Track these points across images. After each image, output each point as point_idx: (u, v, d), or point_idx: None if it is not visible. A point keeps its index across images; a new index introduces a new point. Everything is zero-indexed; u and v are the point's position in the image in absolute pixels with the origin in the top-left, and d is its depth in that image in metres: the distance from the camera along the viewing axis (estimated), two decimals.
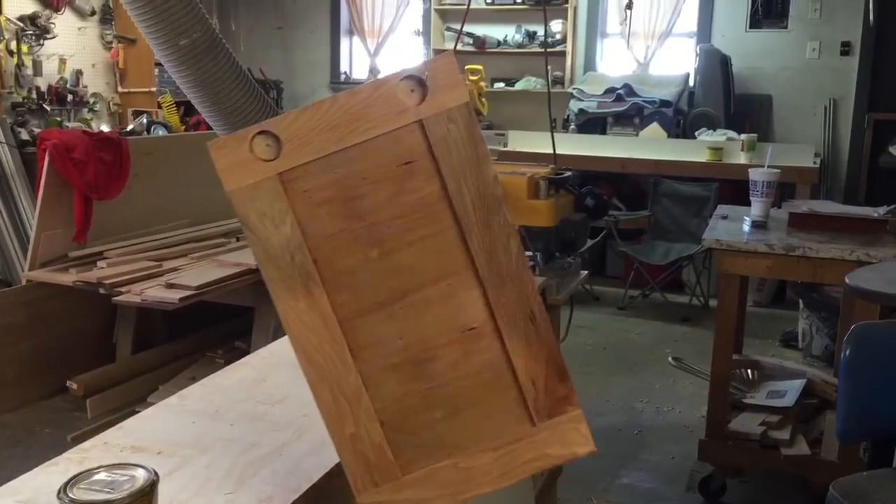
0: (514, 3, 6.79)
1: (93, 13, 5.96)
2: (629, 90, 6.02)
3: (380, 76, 7.35)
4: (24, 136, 5.05)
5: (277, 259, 1.04)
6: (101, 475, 0.95)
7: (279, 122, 1.03)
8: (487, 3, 6.84)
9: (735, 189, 4.91)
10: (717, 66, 5.96)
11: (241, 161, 1.02)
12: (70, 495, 0.91)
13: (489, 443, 1.11)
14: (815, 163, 5.34)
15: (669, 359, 4.29)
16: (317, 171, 1.04)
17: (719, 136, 5.65)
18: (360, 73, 7.76)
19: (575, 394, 1.13)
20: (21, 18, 5.37)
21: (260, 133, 1.02)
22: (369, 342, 1.07)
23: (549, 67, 4.81)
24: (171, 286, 3.26)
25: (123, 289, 3.27)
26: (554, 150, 3.24)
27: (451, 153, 1.07)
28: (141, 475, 0.95)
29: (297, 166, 1.03)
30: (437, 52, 7.06)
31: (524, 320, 1.11)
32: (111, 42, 6.09)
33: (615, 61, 6.86)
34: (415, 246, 1.08)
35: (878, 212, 2.95)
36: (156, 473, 0.96)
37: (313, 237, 1.04)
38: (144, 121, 5.54)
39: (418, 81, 1.05)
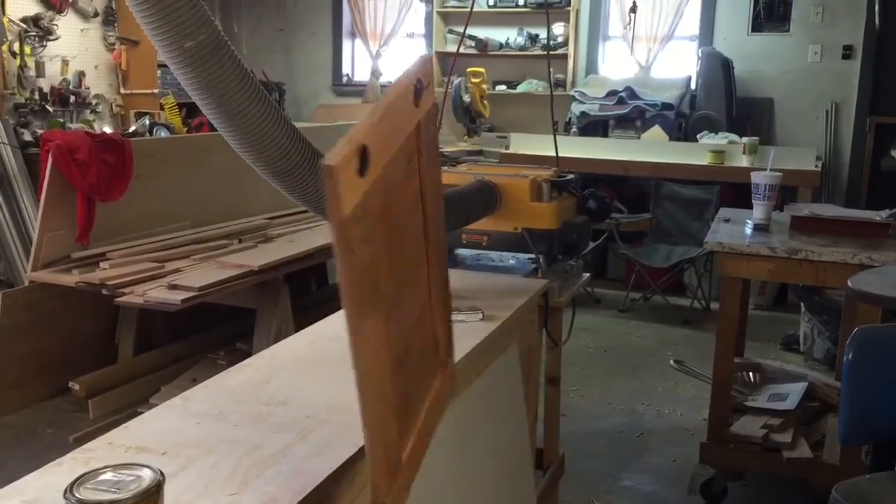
0: (517, 6, 6.81)
1: (95, 15, 5.98)
2: (631, 93, 6.02)
3: (381, 79, 7.37)
4: (27, 137, 5.06)
5: (364, 283, 0.91)
6: (107, 475, 0.95)
7: (368, 133, 0.90)
8: (490, 6, 6.85)
9: (737, 192, 4.91)
10: (718, 69, 5.97)
11: (351, 179, 0.85)
12: (76, 495, 0.91)
13: (427, 398, 1.21)
14: (816, 166, 5.34)
15: (671, 361, 4.29)
16: (377, 181, 0.94)
17: (721, 139, 5.65)
18: (362, 75, 7.77)
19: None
20: (24, 20, 5.39)
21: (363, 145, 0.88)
22: (389, 345, 1.07)
23: (551, 70, 4.81)
24: (173, 287, 3.26)
25: (126, 290, 3.28)
26: (556, 152, 3.24)
27: (427, 151, 1.10)
28: (147, 475, 0.95)
29: (374, 179, 0.91)
30: (440, 54, 7.08)
31: (445, 291, 1.26)
32: (114, 44, 6.11)
33: (617, 64, 6.87)
34: (407, 246, 1.11)
35: (881, 215, 2.95)
36: (161, 474, 0.96)
37: (376, 252, 0.95)
38: (147, 122, 5.55)
39: (419, 82, 1.06)
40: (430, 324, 1.20)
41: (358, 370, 0.90)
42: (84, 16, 5.89)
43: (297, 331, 1.87)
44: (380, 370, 0.97)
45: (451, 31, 7.15)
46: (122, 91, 6.21)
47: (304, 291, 4.64)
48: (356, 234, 0.86)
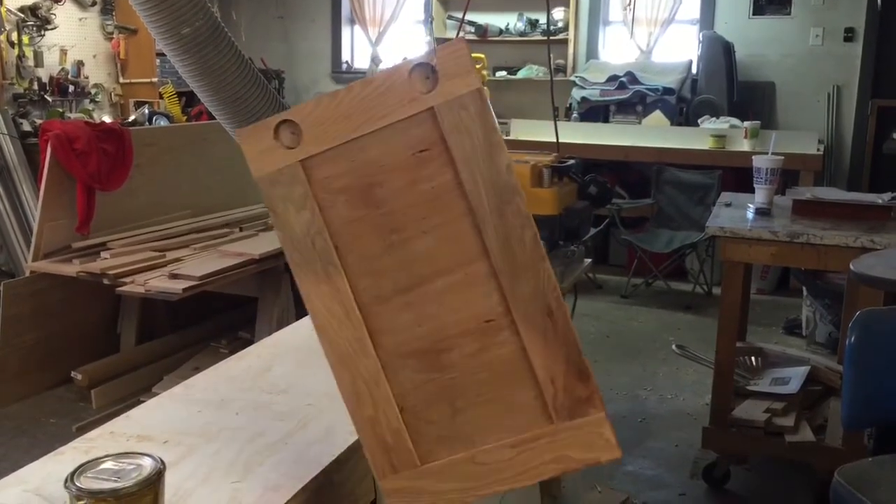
0: None
1: (93, 4, 5.95)
2: (632, 78, 6.00)
3: (381, 66, 7.35)
4: (26, 127, 5.05)
5: (299, 243, 1.07)
6: (108, 464, 0.95)
7: (300, 111, 1.07)
8: None
9: (738, 177, 4.90)
10: (720, 53, 5.94)
11: (266, 148, 1.07)
12: (77, 484, 0.91)
13: (507, 439, 1.09)
14: (818, 150, 5.32)
15: (673, 347, 4.29)
16: (335, 158, 1.07)
17: (722, 123, 5.63)
18: (361, 62, 7.74)
19: (599, 396, 1.08)
20: (22, 9, 5.36)
21: (283, 122, 1.07)
22: (388, 328, 1.08)
23: (551, 55, 4.79)
24: (174, 277, 3.26)
25: (127, 279, 3.28)
26: (557, 138, 3.23)
27: (463, 141, 1.06)
28: (148, 464, 0.95)
29: (317, 154, 1.07)
30: (440, 40, 7.04)
31: (541, 315, 1.07)
32: (112, 32, 6.09)
33: (618, 49, 6.83)
34: (430, 234, 1.08)
35: (883, 198, 2.94)
36: (162, 462, 0.96)
37: (333, 223, 1.07)
38: (146, 111, 5.54)
39: (429, 69, 1.05)
40: (512, 348, 1.09)
41: (314, 322, 1.08)
42: (82, 5, 5.86)
43: (298, 319, 1.87)
44: (344, 336, 1.07)
45: (450, 17, 7.11)
46: (121, 80, 6.19)
47: None
48: (278, 195, 1.07)
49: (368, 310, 1.08)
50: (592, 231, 4.84)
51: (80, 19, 5.87)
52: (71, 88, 5.70)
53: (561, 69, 6.66)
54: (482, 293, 1.08)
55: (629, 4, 6.47)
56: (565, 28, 6.70)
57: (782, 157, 2.98)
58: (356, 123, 1.06)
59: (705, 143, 5.44)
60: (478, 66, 6.30)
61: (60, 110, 5.50)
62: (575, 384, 1.08)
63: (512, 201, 1.07)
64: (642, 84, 5.96)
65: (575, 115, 6.17)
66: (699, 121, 5.80)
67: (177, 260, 3.50)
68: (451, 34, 7.03)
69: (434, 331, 1.08)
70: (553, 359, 1.07)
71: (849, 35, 5.99)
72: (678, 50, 6.58)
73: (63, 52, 5.70)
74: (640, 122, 5.92)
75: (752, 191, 3.01)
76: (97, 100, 5.93)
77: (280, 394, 1.41)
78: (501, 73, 6.91)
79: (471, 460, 1.09)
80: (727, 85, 5.93)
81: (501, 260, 1.07)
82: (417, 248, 1.08)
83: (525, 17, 6.83)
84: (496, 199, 1.07)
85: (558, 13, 6.70)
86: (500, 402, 1.09)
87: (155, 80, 6.32)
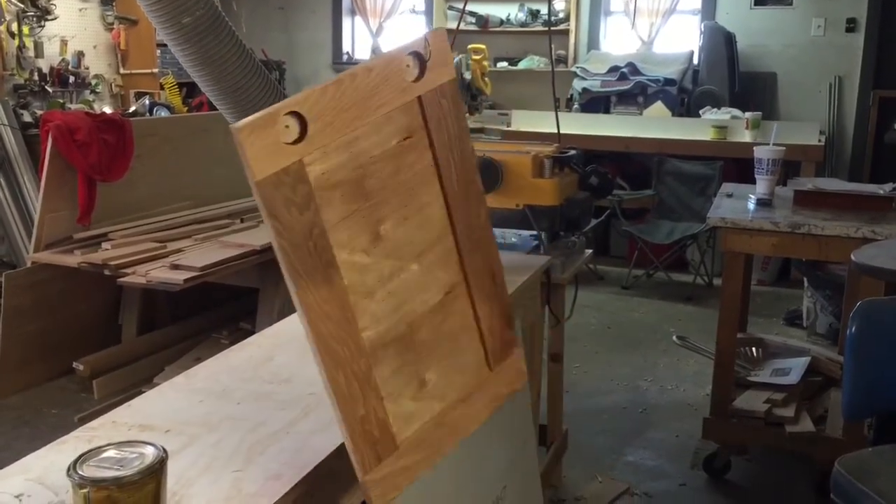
0: None
1: None
2: (633, 69, 5.99)
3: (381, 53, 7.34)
4: (27, 118, 5.03)
5: (300, 248, 0.95)
6: (111, 453, 0.95)
7: (304, 102, 0.95)
8: None
9: (739, 168, 4.89)
10: (721, 43, 5.92)
11: (270, 146, 0.91)
12: (80, 472, 0.91)
13: (460, 394, 1.17)
14: (820, 140, 5.31)
15: (674, 338, 4.30)
16: (335, 151, 0.99)
17: (724, 114, 5.62)
18: (362, 53, 7.72)
19: (517, 337, 1.26)
20: (22, 0, 5.34)
21: (287, 114, 0.93)
22: (371, 322, 1.07)
23: (552, 46, 4.78)
24: (175, 267, 3.26)
25: (128, 270, 3.28)
26: (558, 128, 3.22)
27: (441, 127, 1.08)
28: (150, 452, 0.96)
29: (319, 148, 0.96)
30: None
31: (489, 279, 1.19)
32: (112, 23, 6.07)
33: (619, 40, 6.82)
34: (410, 220, 1.09)
35: (884, 189, 2.93)
36: (164, 451, 0.96)
37: (329, 221, 0.99)
38: (147, 102, 5.52)
39: (419, 57, 1.05)
40: (465, 313, 1.15)
41: (310, 330, 0.98)
42: None
43: None
44: (339, 338, 1.00)
45: (451, 8, 7.09)
46: (122, 71, 6.17)
47: None
48: (281, 198, 0.91)
49: (357, 307, 1.03)
50: (593, 222, 4.81)
51: (81, 10, 5.85)
52: (71, 79, 5.69)
53: (562, 60, 6.65)
54: (445, 267, 1.14)
55: None
56: (566, 18, 6.68)
57: (784, 148, 2.97)
58: (357, 113, 1.01)
59: (706, 134, 5.43)
60: (478, 57, 6.29)
61: (61, 101, 5.49)
62: (505, 330, 1.23)
63: (474, 181, 1.15)
64: (643, 75, 5.95)
65: (576, 105, 6.16)
66: (700, 111, 5.79)
67: (178, 251, 3.50)
68: (452, 25, 7.01)
69: (408, 314, 1.09)
70: (493, 313, 1.20)
71: (851, 25, 5.97)
72: (679, 40, 6.56)
73: (63, 42, 5.69)
74: (641, 113, 5.91)
75: (754, 181, 3.01)
76: (98, 90, 5.91)
77: (281, 383, 1.41)
78: (502, 64, 6.90)
79: (436, 424, 1.13)
80: (728, 75, 5.91)
81: (465, 237, 1.14)
82: (398, 235, 1.08)
83: (526, 8, 6.81)
84: (464, 180, 1.13)
85: (559, 3, 6.68)
86: (456, 363, 1.17)
87: (155, 70, 6.30)
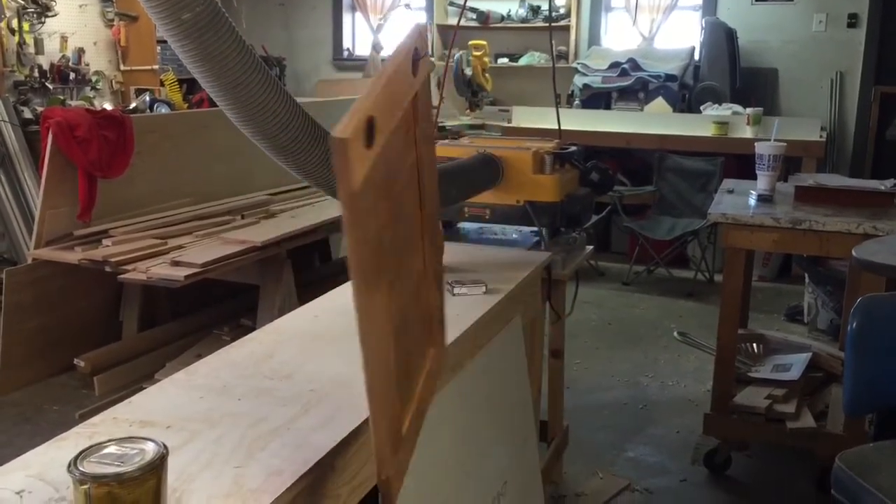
0: None
1: None
2: (634, 64, 5.98)
3: (383, 53, 7.32)
4: (27, 114, 5.04)
5: (370, 259, 0.89)
6: (111, 449, 0.95)
7: (376, 103, 0.88)
8: None
9: (741, 163, 4.89)
10: (722, 39, 5.91)
11: (358, 153, 0.82)
12: (80, 468, 0.91)
13: (419, 377, 1.20)
14: (821, 136, 5.31)
15: (674, 334, 4.30)
16: (382, 155, 0.92)
17: (725, 110, 5.62)
18: (362, 49, 7.71)
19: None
20: None
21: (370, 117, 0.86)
22: (391, 318, 1.06)
23: (553, 42, 4.77)
24: (176, 264, 3.26)
25: (129, 266, 3.27)
26: (559, 124, 3.22)
27: (422, 121, 1.09)
28: (150, 448, 0.95)
29: (378, 152, 0.89)
30: (441, 27, 7.02)
31: (438, 264, 1.26)
32: (112, 19, 6.06)
33: (620, 35, 6.81)
34: (405, 218, 1.10)
35: (885, 185, 2.93)
36: (165, 447, 0.96)
37: (379, 226, 0.94)
38: (147, 98, 5.52)
39: (416, 52, 1.05)
40: (425, 296, 1.21)
41: (365, 344, 0.89)
42: None
43: (300, 306, 1.87)
44: (384, 343, 0.97)
45: (451, 4, 7.09)
46: (122, 67, 6.17)
47: (307, 267, 4.64)
48: (365, 207, 0.85)
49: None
50: (594, 218, 4.84)
51: (81, 6, 5.85)
52: (72, 76, 5.69)
53: (563, 56, 6.64)
54: (416, 255, 1.16)
55: None
56: (567, 14, 6.67)
57: (785, 144, 2.97)
58: (395, 111, 0.96)
59: (707, 130, 5.43)
60: (479, 53, 6.29)
61: (61, 98, 5.49)
62: (442, 307, 1.30)
63: (434, 171, 1.18)
64: (644, 71, 5.94)
65: (577, 101, 6.16)
66: (701, 107, 5.79)
67: (178, 247, 3.50)
68: (452, 21, 7.01)
69: (403, 306, 1.10)
70: (439, 292, 1.28)
71: (852, 21, 5.96)
72: (680, 36, 6.55)
73: (63, 39, 5.69)
74: (642, 109, 5.91)
75: (755, 177, 3.00)
76: (98, 87, 5.91)
77: (282, 379, 1.41)
78: (503, 60, 6.89)
79: (416, 405, 1.15)
80: (730, 71, 5.91)
81: (429, 225, 1.18)
82: (404, 232, 1.09)
83: (527, 4, 6.81)
84: (431, 172, 1.17)
85: None
86: (421, 346, 1.21)
87: (156, 67, 6.30)
